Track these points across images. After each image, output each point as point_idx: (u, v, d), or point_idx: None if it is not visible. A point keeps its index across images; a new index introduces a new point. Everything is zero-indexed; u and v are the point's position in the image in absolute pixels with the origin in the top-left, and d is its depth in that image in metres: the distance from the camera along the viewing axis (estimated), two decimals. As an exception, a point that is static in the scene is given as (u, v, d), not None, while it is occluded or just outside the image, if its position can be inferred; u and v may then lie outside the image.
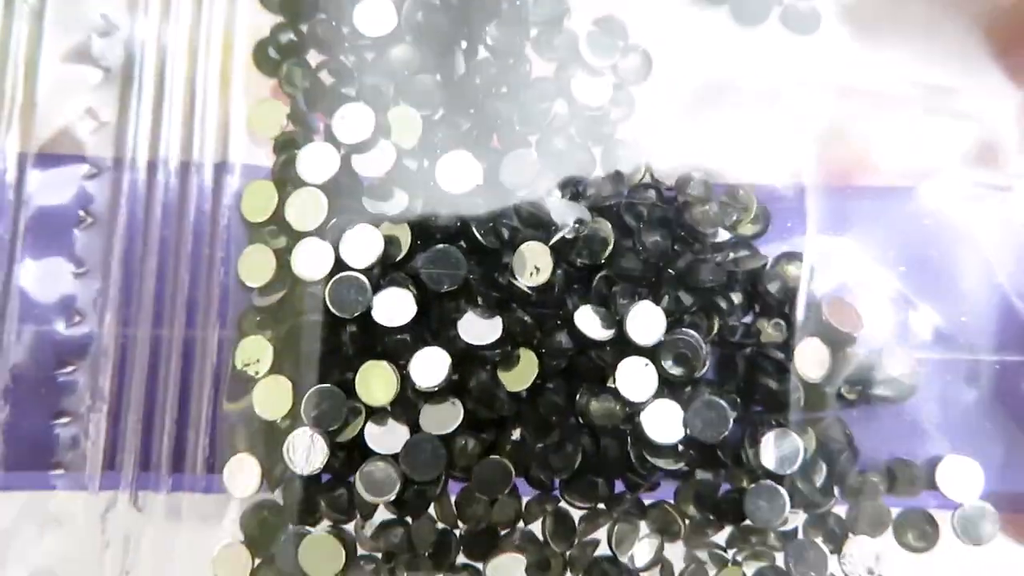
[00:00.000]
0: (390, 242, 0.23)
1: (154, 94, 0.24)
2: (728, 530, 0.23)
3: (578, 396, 0.23)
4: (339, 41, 0.24)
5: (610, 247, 0.23)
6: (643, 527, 0.23)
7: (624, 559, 0.23)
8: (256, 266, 0.24)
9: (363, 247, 0.23)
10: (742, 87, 0.25)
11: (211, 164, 0.24)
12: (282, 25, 0.25)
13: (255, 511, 0.23)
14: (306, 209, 0.23)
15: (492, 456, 0.23)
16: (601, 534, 0.23)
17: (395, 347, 0.23)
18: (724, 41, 0.25)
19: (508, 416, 0.23)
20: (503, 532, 0.23)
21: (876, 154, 0.24)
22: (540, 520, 0.23)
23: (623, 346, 0.22)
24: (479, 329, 0.23)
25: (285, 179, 0.24)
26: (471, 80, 0.24)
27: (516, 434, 0.23)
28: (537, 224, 0.23)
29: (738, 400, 0.23)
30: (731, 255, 0.24)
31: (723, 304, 0.23)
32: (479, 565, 0.23)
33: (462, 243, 0.23)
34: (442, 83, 0.24)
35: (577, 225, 0.23)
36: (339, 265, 0.23)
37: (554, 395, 0.23)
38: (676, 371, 0.22)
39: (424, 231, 0.23)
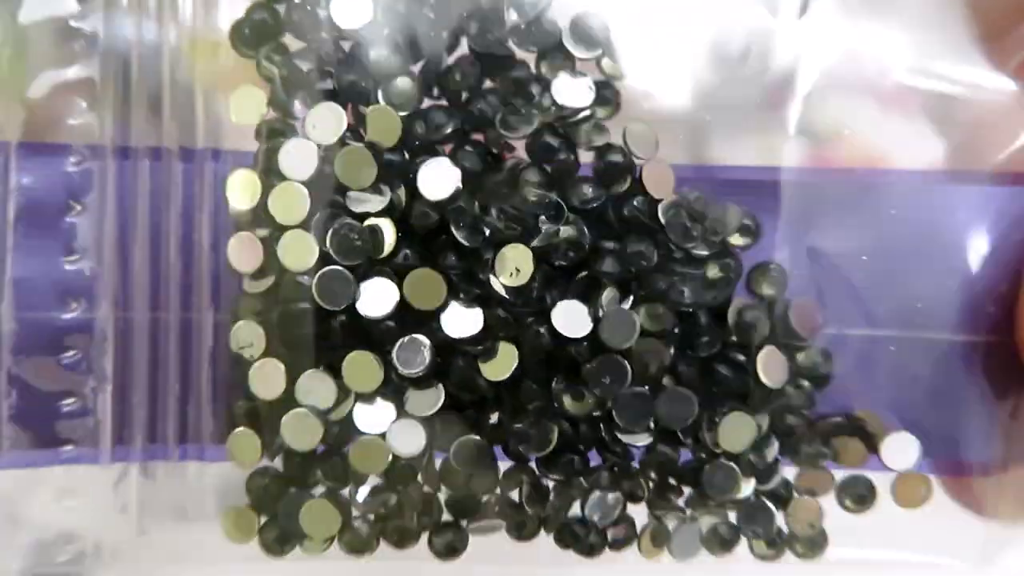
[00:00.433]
0: (375, 235, 0.24)
1: (140, 81, 0.24)
2: (687, 492, 0.26)
3: (553, 385, 0.25)
4: (315, 28, 0.24)
5: (586, 250, 0.24)
6: (611, 492, 0.26)
7: (593, 519, 0.26)
8: (245, 253, 0.25)
9: (348, 243, 0.24)
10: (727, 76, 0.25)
11: (199, 150, 0.25)
12: (257, 5, 0.24)
13: (258, 477, 0.25)
14: (289, 203, 0.24)
15: (470, 436, 0.25)
16: (572, 502, 0.26)
17: (380, 334, 0.25)
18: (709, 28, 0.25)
19: (488, 399, 0.25)
20: (483, 498, 0.26)
21: (849, 142, 0.25)
22: (517, 488, 0.26)
23: (599, 343, 0.24)
24: (461, 322, 0.24)
25: (268, 169, 0.24)
26: (452, 77, 0.25)
27: (495, 418, 0.25)
28: (520, 224, 0.24)
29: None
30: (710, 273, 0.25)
31: (699, 318, 0.25)
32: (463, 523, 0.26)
33: (443, 237, 0.25)
34: (422, 79, 0.24)
35: (556, 225, 0.24)
36: (324, 255, 0.24)
37: (532, 384, 0.25)
38: (647, 368, 0.24)
39: (407, 227, 0.24)
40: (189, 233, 0.25)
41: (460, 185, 0.25)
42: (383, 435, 0.25)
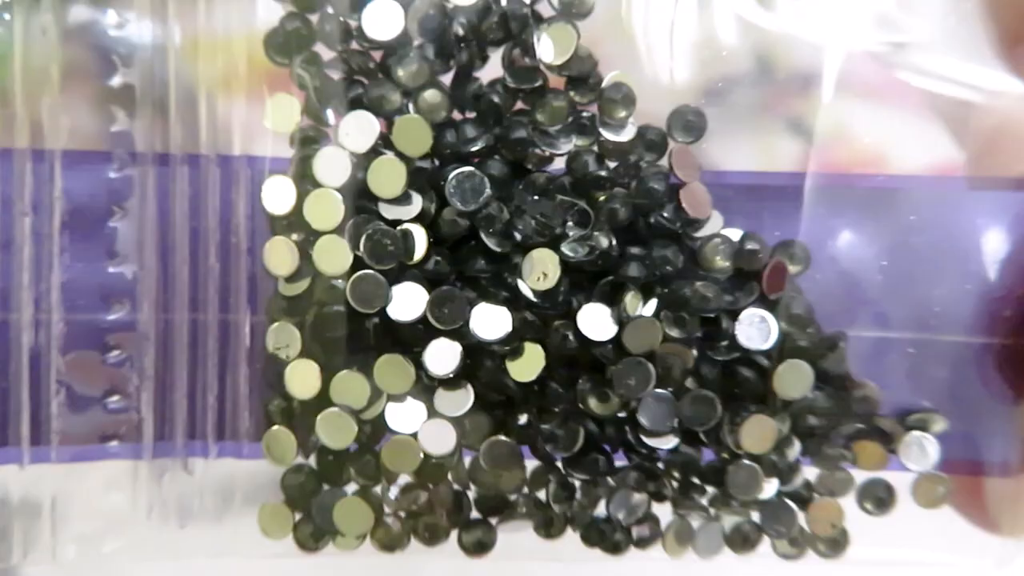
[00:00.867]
0: (407, 240, 0.25)
1: (178, 89, 0.25)
2: (710, 491, 0.27)
3: (579, 385, 0.26)
4: (346, 39, 0.25)
5: (613, 257, 0.25)
6: (636, 491, 0.26)
7: (618, 517, 0.26)
8: (280, 257, 0.26)
9: (381, 248, 0.25)
10: (739, 78, 0.25)
11: (235, 157, 0.26)
12: (291, 15, 0.25)
13: (293, 475, 0.26)
14: (324, 209, 0.25)
15: (499, 437, 0.26)
16: (598, 499, 0.27)
17: (411, 336, 0.26)
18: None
19: (515, 399, 0.26)
20: (511, 497, 0.27)
21: (871, 147, 0.26)
22: (544, 487, 0.27)
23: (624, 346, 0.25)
24: (489, 324, 0.25)
25: (302, 174, 0.25)
26: (486, 99, 0.25)
27: (523, 418, 0.26)
28: (548, 230, 0.25)
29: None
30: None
31: (722, 322, 0.25)
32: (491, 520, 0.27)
33: (473, 243, 0.25)
34: (453, 94, 0.25)
35: (582, 232, 0.25)
36: (358, 260, 0.25)
37: (558, 386, 0.26)
38: (670, 371, 0.25)
39: (438, 233, 0.25)
40: (227, 237, 0.26)
41: (490, 193, 0.26)
42: (414, 435, 0.26)
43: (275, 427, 0.26)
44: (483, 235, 0.26)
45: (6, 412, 0.25)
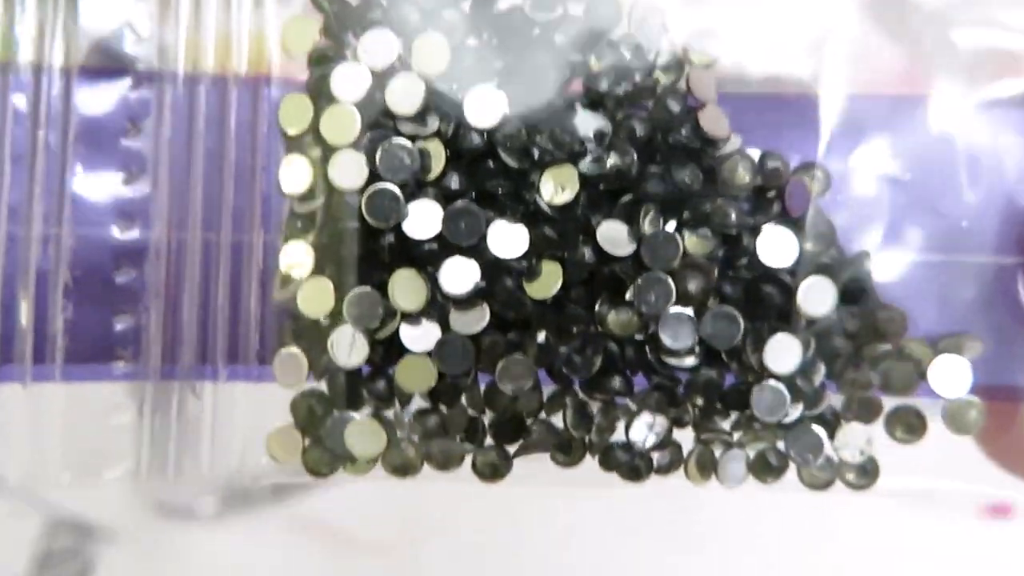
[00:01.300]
0: (423, 157, 0.25)
1: (192, 9, 0.26)
2: (733, 416, 0.26)
3: (597, 306, 0.25)
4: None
5: (632, 177, 0.25)
6: (656, 416, 0.26)
7: (637, 443, 0.26)
8: (295, 175, 0.26)
9: (397, 161, 0.25)
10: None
11: (249, 76, 0.26)
12: (307, -65, 0.26)
13: (303, 398, 0.26)
14: (340, 124, 0.25)
15: (515, 355, 0.25)
16: (616, 423, 0.26)
17: (426, 255, 0.25)
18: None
19: (532, 319, 0.25)
20: (527, 420, 0.26)
21: (888, 60, 0.26)
22: (561, 411, 0.26)
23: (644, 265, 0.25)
24: (506, 241, 0.25)
25: (319, 93, 0.25)
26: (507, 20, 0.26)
27: (541, 336, 0.25)
28: (565, 146, 0.25)
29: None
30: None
31: (743, 240, 0.25)
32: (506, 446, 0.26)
33: (490, 163, 0.25)
34: (474, 17, 0.26)
35: (601, 150, 0.25)
36: (374, 176, 0.25)
37: (575, 306, 0.25)
38: (691, 287, 0.25)
39: (455, 149, 0.25)
40: (243, 156, 0.26)
41: (507, 111, 0.26)
42: (429, 354, 0.25)
43: (286, 348, 0.26)
44: (501, 151, 0.26)
45: (11, 328, 0.25)
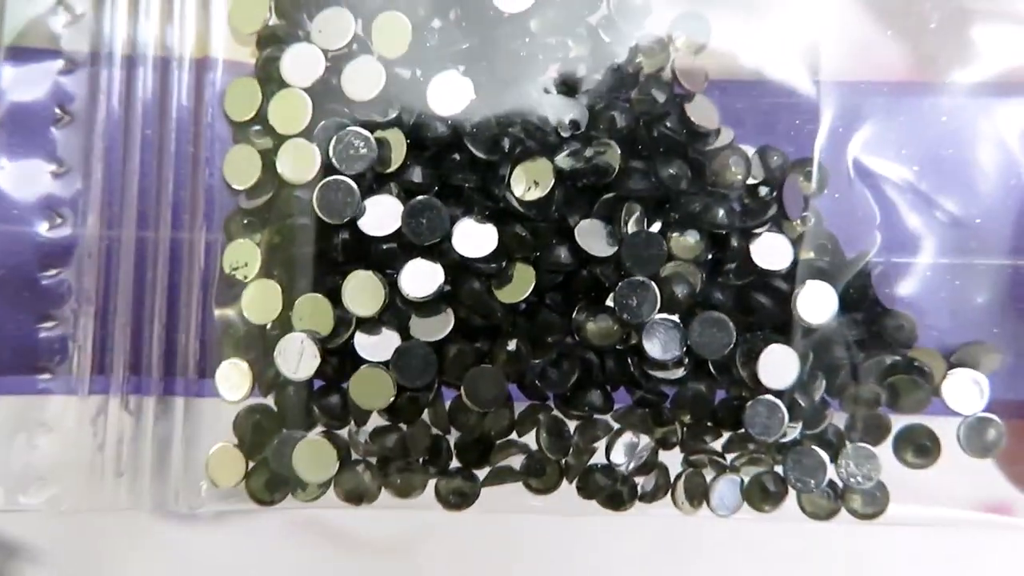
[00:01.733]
0: (382, 147, 0.23)
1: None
2: (725, 436, 0.24)
3: (575, 314, 0.23)
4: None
5: (615, 173, 0.23)
6: (639, 435, 0.23)
7: (619, 465, 0.23)
8: (242, 167, 0.23)
9: (353, 151, 0.23)
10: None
11: (192, 60, 0.24)
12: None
13: (248, 415, 0.24)
14: (291, 111, 0.23)
15: (484, 365, 0.23)
16: (595, 443, 0.24)
17: (384, 255, 0.23)
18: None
19: (502, 326, 0.23)
20: (497, 441, 0.24)
21: (891, 46, 0.24)
22: (534, 429, 0.24)
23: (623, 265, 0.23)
24: (474, 240, 0.23)
25: (269, 77, 0.23)
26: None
27: (512, 345, 0.23)
28: (538, 136, 0.23)
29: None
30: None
31: (732, 242, 0.23)
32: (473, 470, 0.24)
33: (456, 156, 0.23)
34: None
35: (578, 145, 0.23)
36: (327, 169, 0.23)
37: (550, 313, 0.23)
38: (678, 293, 0.23)
39: (417, 139, 0.23)
40: (183, 147, 0.24)
41: (474, 98, 0.23)
42: (387, 364, 0.23)
43: (229, 360, 0.24)
44: (467, 142, 0.23)
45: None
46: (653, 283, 0.23)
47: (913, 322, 0.24)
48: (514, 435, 0.24)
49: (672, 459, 0.24)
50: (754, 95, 0.24)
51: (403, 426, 0.24)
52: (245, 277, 0.23)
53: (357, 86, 0.23)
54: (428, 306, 0.23)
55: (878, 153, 0.24)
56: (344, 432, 0.24)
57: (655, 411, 0.24)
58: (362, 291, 0.23)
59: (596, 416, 0.23)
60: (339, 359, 0.23)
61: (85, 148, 0.24)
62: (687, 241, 0.23)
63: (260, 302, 0.23)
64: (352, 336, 0.23)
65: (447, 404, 0.24)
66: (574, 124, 0.23)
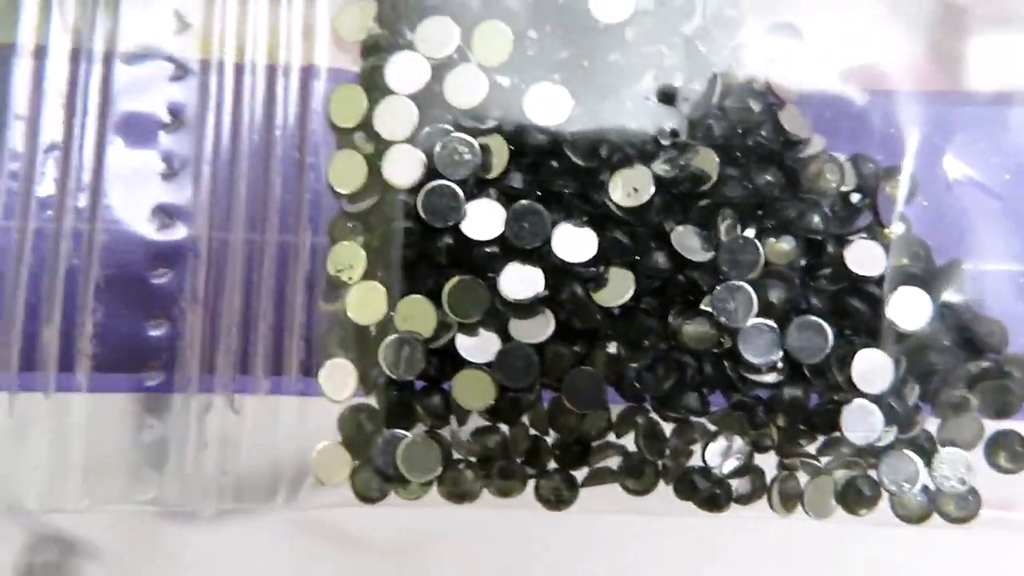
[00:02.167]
0: (485, 153, 0.24)
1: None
2: (819, 440, 0.24)
3: (671, 318, 0.23)
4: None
5: (713, 180, 0.23)
6: (734, 437, 0.24)
7: (716, 468, 0.24)
8: (346, 172, 0.24)
9: (457, 157, 0.23)
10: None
11: (298, 67, 0.24)
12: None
13: (352, 414, 0.24)
14: (395, 118, 0.24)
15: (583, 367, 0.23)
16: (692, 445, 0.24)
17: (486, 258, 0.24)
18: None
19: (601, 329, 0.24)
20: (595, 443, 0.24)
21: (982, 56, 0.24)
22: (632, 431, 0.24)
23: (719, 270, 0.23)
24: (573, 245, 0.23)
25: (373, 84, 0.24)
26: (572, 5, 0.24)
27: (610, 348, 0.24)
28: (636, 143, 0.23)
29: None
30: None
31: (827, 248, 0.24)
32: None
33: (555, 162, 0.24)
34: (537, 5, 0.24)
35: (675, 152, 0.23)
36: (431, 173, 0.24)
37: (648, 316, 0.24)
38: (774, 297, 0.23)
39: (519, 146, 0.24)
40: (289, 153, 0.24)
41: (573, 108, 0.24)
42: (488, 366, 0.24)
43: (333, 359, 0.24)
44: (566, 149, 0.24)
45: (35, 331, 0.23)
46: (749, 287, 0.24)
47: (1004, 328, 0.24)
48: (611, 437, 0.24)
49: (767, 462, 0.24)
50: (843, 104, 0.25)
51: (504, 427, 0.24)
52: (350, 279, 0.24)
53: (460, 94, 0.24)
54: (528, 309, 0.24)
55: (968, 162, 0.24)
56: (446, 431, 0.24)
57: (751, 414, 0.24)
58: (465, 297, 0.23)
59: (692, 419, 0.24)
60: (441, 359, 0.24)
61: (195, 152, 0.24)
62: (782, 247, 0.24)
63: (364, 303, 0.24)
64: (454, 338, 0.24)
65: (546, 406, 0.24)
66: (674, 132, 0.24)
